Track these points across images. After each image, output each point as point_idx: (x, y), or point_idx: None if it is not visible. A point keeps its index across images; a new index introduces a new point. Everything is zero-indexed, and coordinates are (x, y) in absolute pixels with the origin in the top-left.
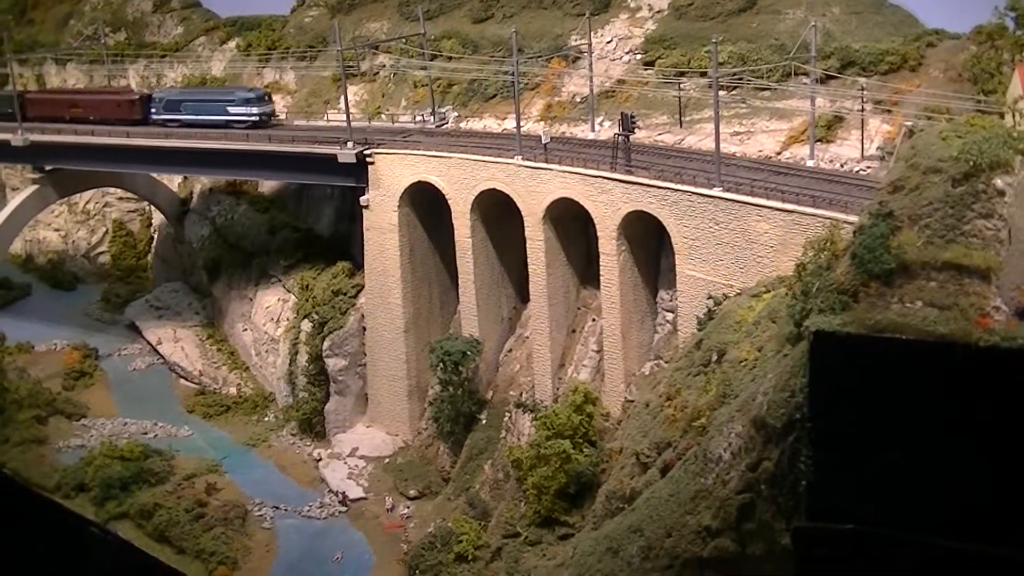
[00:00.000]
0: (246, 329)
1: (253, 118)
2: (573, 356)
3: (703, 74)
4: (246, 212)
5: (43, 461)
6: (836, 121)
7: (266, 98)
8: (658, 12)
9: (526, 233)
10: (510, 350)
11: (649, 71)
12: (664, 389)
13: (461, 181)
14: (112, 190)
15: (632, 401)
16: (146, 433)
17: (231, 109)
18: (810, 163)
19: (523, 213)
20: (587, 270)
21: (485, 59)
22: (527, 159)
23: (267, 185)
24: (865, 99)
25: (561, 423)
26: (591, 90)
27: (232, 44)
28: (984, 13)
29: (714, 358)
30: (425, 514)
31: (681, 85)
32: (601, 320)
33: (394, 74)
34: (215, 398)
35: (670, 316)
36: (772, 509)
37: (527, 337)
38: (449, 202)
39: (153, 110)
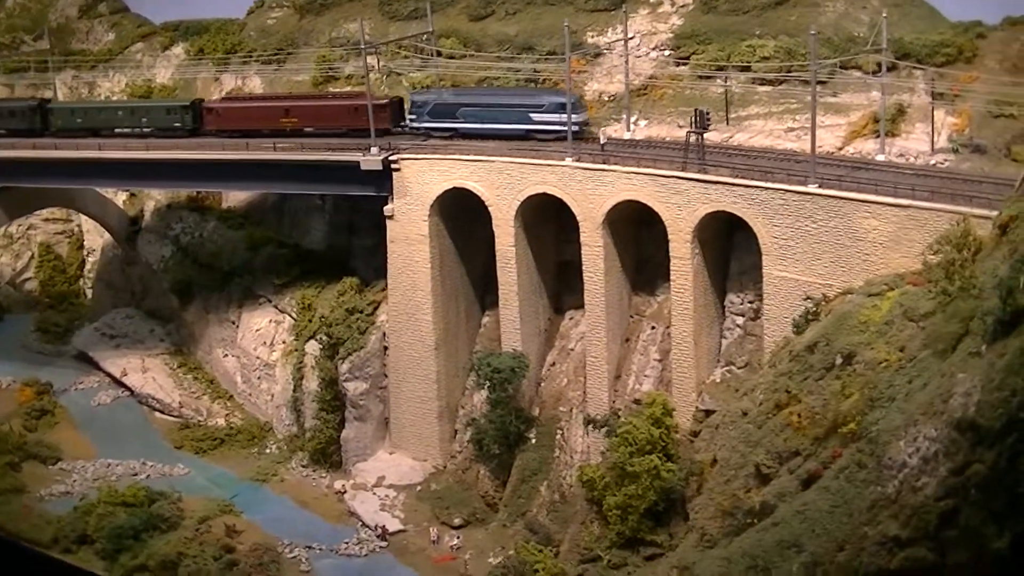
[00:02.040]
0: (228, 355)
1: (565, 128)
2: (630, 366)
3: (745, 68)
4: (217, 228)
5: (29, 512)
6: (899, 114)
7: (582, 104)
8: (682, 7)
9: (582, 239)
10: (553, 363)
11: (682, 67)
12: (766, 396)
13: (505, 186)
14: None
15: (706, 411)
16: (136, 474)
17: (536, 116)
18: (880, 157)
19: (579, 218)
20: (638, 276)
21: (492, 57)
22: (577, 160)
23: (236, 198)
24: (925, 91)
25: (643, 437)
26: (627, 87)
27: (177, 50)
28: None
29: (838, 361)
30: (478, 543)
31: (726, 79)
32: (660, 327)
33: (386, 75)
34: (204, 431)
35: (740, 320)
36: (982, 514)
37: (572, 349)
38: (490, 209)
39: (412, 117)
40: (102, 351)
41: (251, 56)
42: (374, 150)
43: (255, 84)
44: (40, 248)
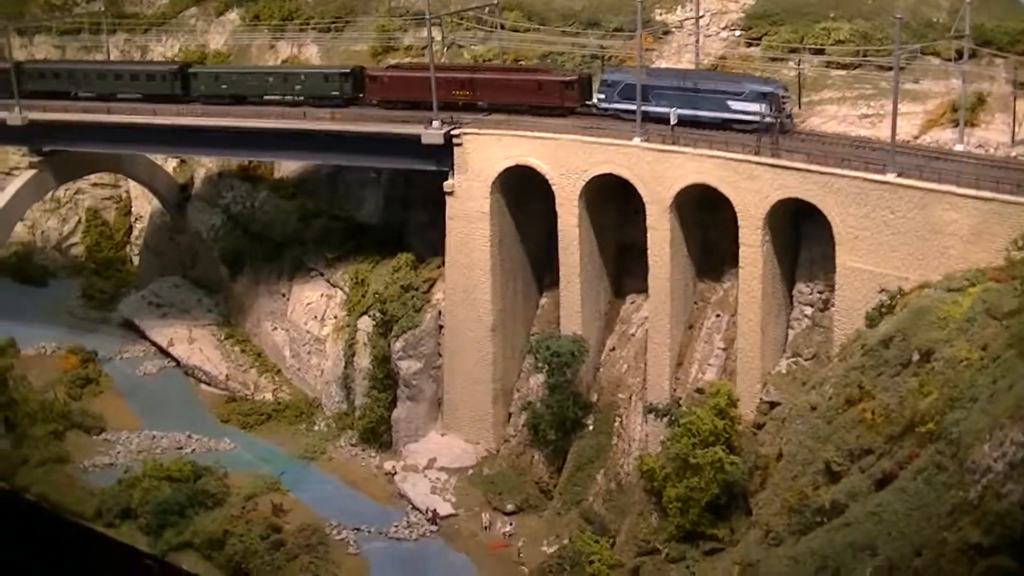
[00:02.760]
0: (277, 328)
1: (769, 119)
2: (693, 354)
3: (818, 52)
4: (269, 199)
5: (72, 484)
6: (979, 103)
7: (787, 93)
8: None
9: (648, 222)
10: (613, 348)
11: (753, 48)
12: (836, 390)
13: (570, 165)
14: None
15: (771, 403)
16: (181, 448)
17: (735, 104)
18: (959, 147)
19: (646, 200)
20: (703, 262)
21: (557, 32)
22: (646, 141)
23: (288, 168)
24: (1006, 80)
25: (706, 429)
26: (696, 67)
27: (232, 16)
28: None
29: (915, 357)
30: (531, 531)
31: (799, 62)
32: (725, 315)
33: (447, 48)
34: (251, 405)
35: (809, 310)
36: None
37: (632, 334)
38: (553, 188)
39: (601, 96)
40: (148, 320)
41: (308, 24)
42: (435, 124)
43: (311, 52)
44: (87, 213)
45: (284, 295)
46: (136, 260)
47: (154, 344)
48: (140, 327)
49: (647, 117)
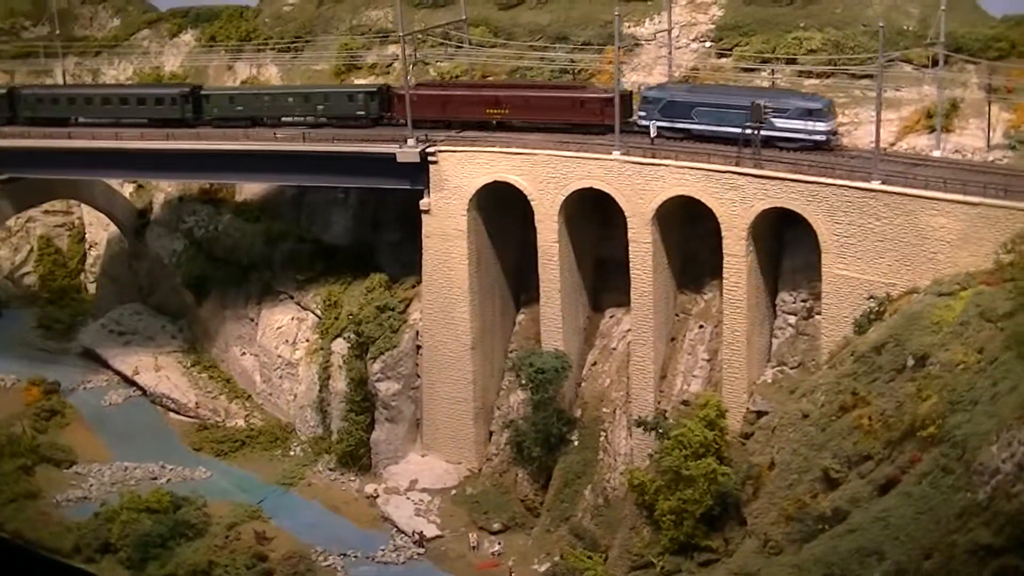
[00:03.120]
0: (246, 353)
1: (816, 137)
2: (676, 366)
3: (791, 61)
4: (232, 222)
5: (47, 520)
6: (952, 109)
7: (832, 109)
8: None
9: (630, 235)
10: (594, 363)
11: (725, 60)
12: (829, 397)
13: (549, 180)
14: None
15: (758, 412)
16: (155, 478)
17: (779, 122)
18: (936, 153)
19: (627, 214)
20: (683, 274)
21: (524, 47)
22: (625, 154)
23: (251, 190)
24: (979, 86)
25: (697, 440)
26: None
27: (186, 37)
28: None
29: (910, 363)
30: (520, 549)
31: (772, 71)
32: (709, 326)
33: (413, 65)
34: (223, 433)
35: (792, 319)
36: None
37: (614, 348)
38: (532, 204)
39: (642, 114)
40: (110, 348)
41: (267, 44)
42: (411, 142)
43: (271, 73)
44: (40, 241)
45: (252, 319)
46: (92, 288)
47: (118, 373)
48: (102, 356)
49: (689, 135)
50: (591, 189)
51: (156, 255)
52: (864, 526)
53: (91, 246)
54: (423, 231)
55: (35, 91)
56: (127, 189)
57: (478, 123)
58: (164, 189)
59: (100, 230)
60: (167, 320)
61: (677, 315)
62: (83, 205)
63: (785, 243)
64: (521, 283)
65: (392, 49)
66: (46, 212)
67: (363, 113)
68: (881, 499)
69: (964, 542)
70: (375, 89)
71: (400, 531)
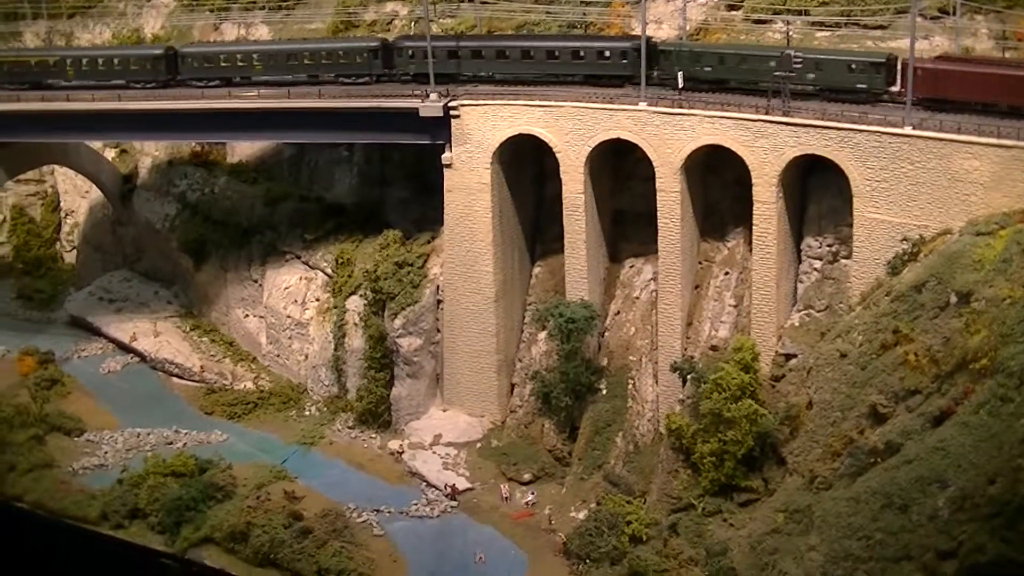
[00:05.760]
0: (249, 315)
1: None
2: (703, 313)
3: (802, 13)
4: (229, 184)
5: (67, 489)
6: None
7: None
8: None
9: (658, 185)
10: (618, 312)
11: (735, 13)
12: (867, 336)
13: (575, 132)
14: None
15: (787, 355)
16: (171, 443)
17: None
18: None
19: (656, 164)
20: (706, 223)
21: (531, 1)
22: (652, 104)
23: (244, 152)
24: (988, 35)
25: (735, 383)
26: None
27: None
28: None
29: (953, 300)
30: (553, 498)
31: (787, 23)
32: (734, 272)
33: (414, 22)
34: (233, 395)
35: (818, 264)
36: None
37: (637, 297)
38: (558, 156)
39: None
40: (102, 316)
41: (255, 2)
42: (433, 96)
43: (261, 33)
44: (12, 211)
45: (256, 281)
46: (68, 257)
47: (112, 341)
48: (93, 324)
49: None
50: (612, 141)
51: (145, 220)
52: (922, 456)
53: (67, 214)
54: (445, 185)
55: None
56: (110, 154)
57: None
58: (150, 153)
59: (77, 198)
60: (159, 286)
61: (700, 263)
62: (56, 173)
63: (809, 190)
64: (537, 236)
65: (389, 6)
66: (17, 181)
67: (865, 87)
68: (936, 430)
69: None
70: (883, 59)
71: (431, 485)
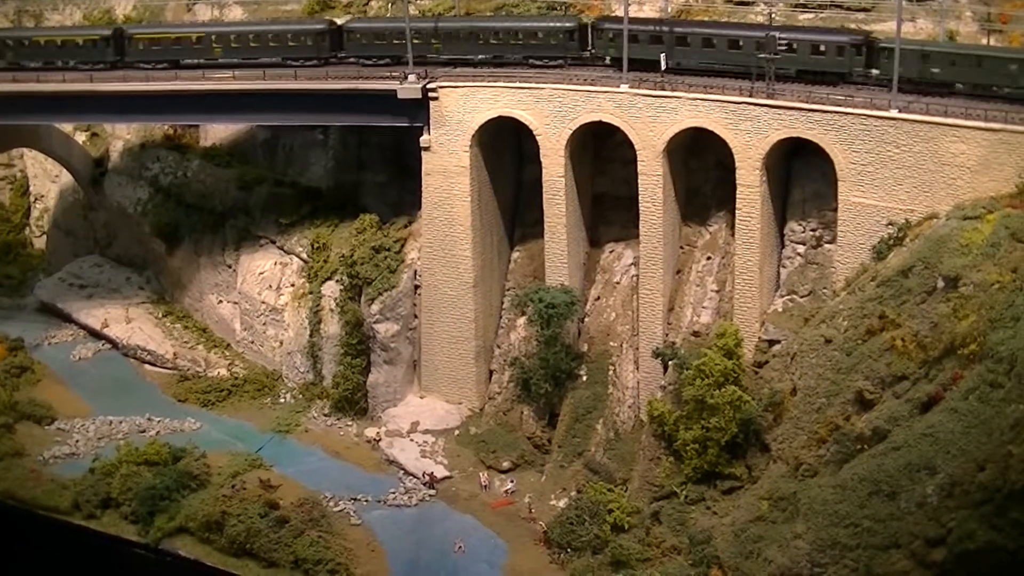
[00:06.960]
0: (223, 301)
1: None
2: (685, 298)
3: None
4: (203, 168)
5: (38, 477)
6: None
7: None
8: None
9: (640, 169)
10: (598, 298)
11: None
12: (853, 322)
13: (556, 115)
14: None
15: (770, 340)
16: (143, 431)
17: None
18: None
19: (638, 147)
20: (687, 207)
21: None
22: (634, 87)
23: (218, 135)
24: (973, 18)
25: (719, 369)
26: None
27: None
28: None
29: (940, 284)
30: (533, 486)
31: (771, 4)
32: (716, 257)
33: (392, 3)
34: (207, 383)
35: (801, 248)
36: None
37: (617, 282)
38: (538, 139)
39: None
40: (72, 302)
41: None
42: (411, 78)
43: (236, 14)
44: None
45: (230, 266)
46: (38, 242)
47: (83, 327)
48: (64, 310)
49: None
50: (591, 124)
51: (117, 205)
52: (910, 443)
53: (37, 199)
54: (423, 168)
55: None
56: (80, 138)
57: None
58: (122, 136)
59: (47, 182)
60: (131, 271)
61: (682, 248)
62: (26, 157)
63: (793, 173)
64: (515, 220)
65: None
66: None
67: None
68: (924, 416)
69: (1019, 452)
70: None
71: (408, 473)
